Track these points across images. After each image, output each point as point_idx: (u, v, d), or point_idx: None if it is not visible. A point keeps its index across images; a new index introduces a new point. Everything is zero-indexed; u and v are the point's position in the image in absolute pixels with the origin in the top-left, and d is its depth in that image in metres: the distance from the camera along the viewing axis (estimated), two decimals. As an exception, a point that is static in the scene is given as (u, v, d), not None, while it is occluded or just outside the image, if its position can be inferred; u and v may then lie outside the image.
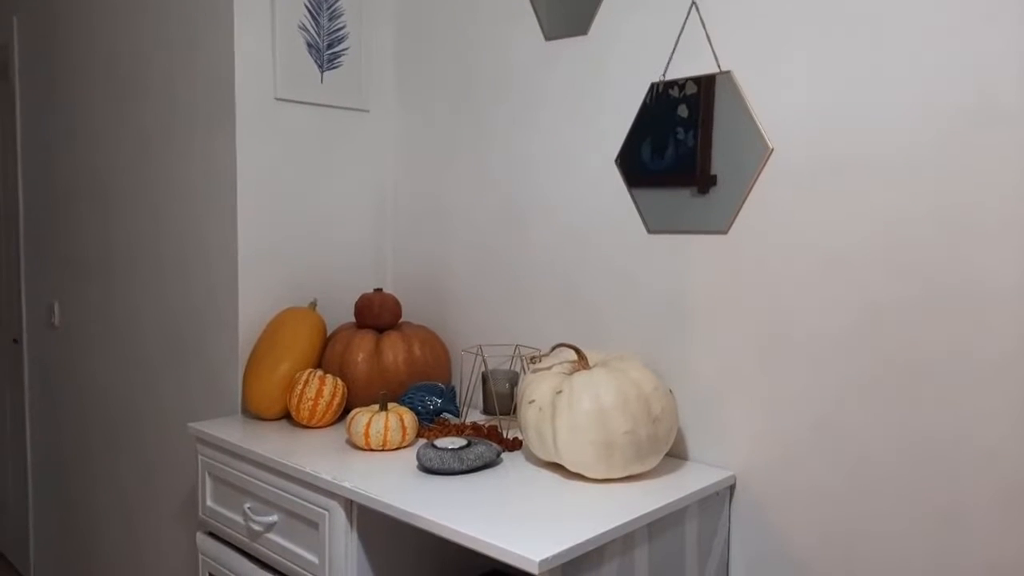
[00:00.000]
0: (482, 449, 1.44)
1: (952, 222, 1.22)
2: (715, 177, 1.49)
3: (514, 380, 1.77)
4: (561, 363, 1.49)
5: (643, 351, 1.62)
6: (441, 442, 1.45)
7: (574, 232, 1.74)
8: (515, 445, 1.58)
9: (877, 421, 1.31)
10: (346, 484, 1.37)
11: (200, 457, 1.75)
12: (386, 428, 1.54)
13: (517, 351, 1.83)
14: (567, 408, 1.36)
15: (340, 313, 2.05)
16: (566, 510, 1.25)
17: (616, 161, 1.65)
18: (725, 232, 1.48)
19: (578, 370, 1.45)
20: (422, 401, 1.72)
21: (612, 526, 1.20)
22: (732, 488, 1.49)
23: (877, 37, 1.29)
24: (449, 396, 1.74)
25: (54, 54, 2.62)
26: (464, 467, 1.40)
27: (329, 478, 1.40)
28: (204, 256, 1.98)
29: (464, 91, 1.96)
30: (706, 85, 1.50)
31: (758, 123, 1.43)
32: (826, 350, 1.36)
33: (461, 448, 1.42)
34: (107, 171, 2.37)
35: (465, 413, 1.81)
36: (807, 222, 1.38)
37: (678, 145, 1.54)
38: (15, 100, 2.90)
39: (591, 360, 1.49)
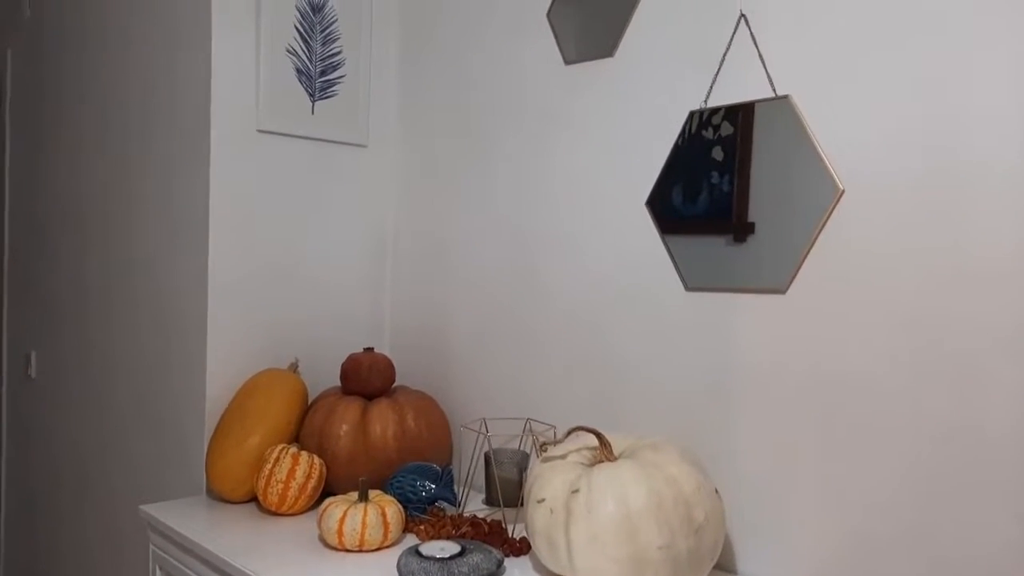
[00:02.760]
0: (478, 559, 1.15)
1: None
2: (752, 225, 1.23)
3: (523, 464, 1.49)
4: (579, 450, 1.21)
5: (681, 435, 1.33)
6: (428, 548, 1.16)
7: (598, 286, 1.47)
8: (523, 548, 1.29)
9: (978, 519, 1.01)
10: (304, 604, 1.09)
11: (151, 547, 1.48)
12: (364, 524, 1.26)
13: (528, 427, 1.55)
14: (585, 512, 1.07)
15: (327, 376, 1.78)
16: (582, 653, 0.96)
17: (647, 204, 1.38)
18: (783, 291, 1.20)
19: (600, 461, 1.16)
20: (412, 486, 1.44)
21: None
22: (794, 614, 1.18)
23: (971, 46, 1.02)
24: (446, 480, 1.47)
25: (44, 87, 2.44)
26: (454, 584, 1.12)
27: (286, 592, 1.12)
28: (173, 309, 1.74)
29: (475, 124, 1.72)
30: (744, 116, 1.24)
31: (825, 159, 1.16)
32: (915, 434, 1.07)
33: (452, 557, 1.14)
34: (86, 211, 2.16)
35: (464, 500, 1.52)
36: (886, 278, 1.10)
37: (712, 189, 1.28)
38: (5, 133, 2.73)
39: (616, 447, 1.20)
